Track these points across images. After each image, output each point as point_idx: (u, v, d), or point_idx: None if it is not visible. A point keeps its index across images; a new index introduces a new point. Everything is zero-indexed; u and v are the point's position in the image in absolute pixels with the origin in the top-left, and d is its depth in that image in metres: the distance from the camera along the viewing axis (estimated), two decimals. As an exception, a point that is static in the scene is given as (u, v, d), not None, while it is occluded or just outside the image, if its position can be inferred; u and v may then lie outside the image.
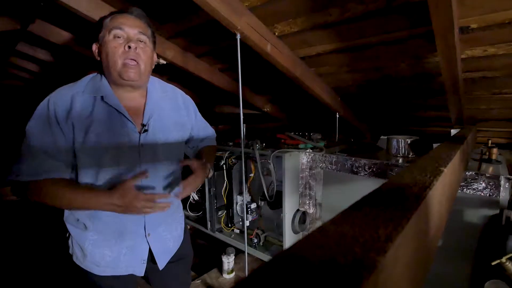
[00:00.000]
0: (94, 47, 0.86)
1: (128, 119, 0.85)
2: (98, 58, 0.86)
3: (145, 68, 0.86)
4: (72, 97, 0.82)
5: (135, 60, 0.83)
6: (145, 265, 0.94)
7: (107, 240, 0.89)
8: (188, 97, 1.08)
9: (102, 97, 0.84)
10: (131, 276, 0.96)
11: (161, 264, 0.98)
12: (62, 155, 0.80)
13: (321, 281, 0.14)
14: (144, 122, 0.88)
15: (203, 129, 1.13)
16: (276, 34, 1.31)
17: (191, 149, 1.12)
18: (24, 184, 0.79)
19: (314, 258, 0.16)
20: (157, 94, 0.95)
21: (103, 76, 0.87)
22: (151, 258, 0.96)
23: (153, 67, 0.93)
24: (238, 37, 1.14)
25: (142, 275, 0.95)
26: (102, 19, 0.85)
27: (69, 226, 0.91)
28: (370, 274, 0.15)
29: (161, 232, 0.97)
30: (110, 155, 0.83)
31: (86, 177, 0.83)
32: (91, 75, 0.89)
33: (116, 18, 0.83)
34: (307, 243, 0.18)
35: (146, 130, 0.88)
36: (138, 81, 0.86)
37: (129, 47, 0.81)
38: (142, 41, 0.84)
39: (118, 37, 0.82)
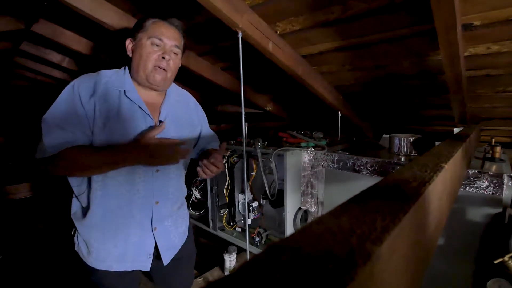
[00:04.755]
0: (128, 42, 0.91)
1: (147, 113, 0.90)
2: (130, 54, 0.91)
3: (171, 76, 0.94)
4: (96, 83, 0.86)
5: (165, 69, 0.90)
6: (151, 260, 0.95)
7: (112, 236, 0.89)
8: (198, 103, 1.16)
9: (124, 92, 0.88)
10: (135, 273, 0.97)
11: (166, 259, 0.99)
12: (84, 132, 0.83)
13: (316, 270, 0.14)
14: (161, 119, 0.94)
15: (209, 134, 1.20)
16: (278, 32, 1.31)
17: (196, 152, 1.15)
18: (49, 159, 0.79)
19: (309, 248, 0.16)
20: (173, 96, 1.02)
21: (126, 71, 0.92)
22: (156, 254, 0.97)
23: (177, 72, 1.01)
24: (240, 35, 1.14)
25: (148, 269, 0.96)
26: (143, 20, 0.90)
27: (76, 222, 0.92)
28: (365, 263, 0.15)
29: (167, 227, 0.99)
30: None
31: None
32: (114, 70, 0.94)
33: (157, 25, 0.89)
34: (304, 234, 0.18)
35: None
36: (162, 86, 0.94)
37: (163, 57, 0.89)
38: (175, 53, 0.92)
39: (156, 45, 0.88)
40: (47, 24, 1.61)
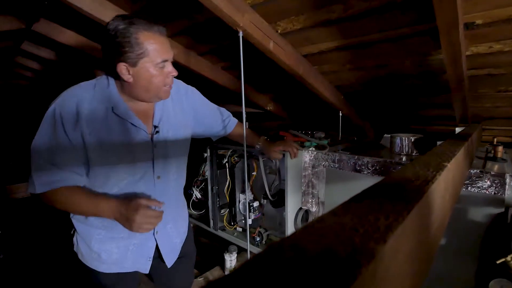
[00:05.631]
0: (123, 68, 0.78)
1: (140, 128, 0.87)
2: (130, 79, 0.80)
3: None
4: (78, 103, 0.80)
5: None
6: (151, 262, 0.95)
7: (115, 237, 0.89)
8: (190, 89, 1.12)
9: (112, 108, 0.83)
10: (135, 273, 0.97)
11: (169, 262, 0.99)
12: (72, 165, 0.81)
13: (318, 270, 0.14)
14: (155, 124, 0.91)
15: (215, 109, 1.20)
16: (279, 31, 1.31)
17: (220, 129, 1.21)
18: (39, 195, 0.82)
19: (311, 247, 0.16)
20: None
21: (110, 82, 0.85)
22: (158, 255, 0.97)
23: None
24: (241, 34, 1.13)
25: (147, 272, 0.96)
26: (129, 36, 0.75)
27: (76, 223, 0.92)
28: (369, 263, 0.14)
29: (168, 229, 0.99)
30: (125, 161, 0.85)
31: (98, 182, 0.85)
32: (95, 80, 0.87)
33: (155, 45, 0.79)
34: (306, 233, 0.17)
35: (157, 132, 0.91)
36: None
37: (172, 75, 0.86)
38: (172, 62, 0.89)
39: (161, 67, 0.82)
40: (48, 23, 1.61)
